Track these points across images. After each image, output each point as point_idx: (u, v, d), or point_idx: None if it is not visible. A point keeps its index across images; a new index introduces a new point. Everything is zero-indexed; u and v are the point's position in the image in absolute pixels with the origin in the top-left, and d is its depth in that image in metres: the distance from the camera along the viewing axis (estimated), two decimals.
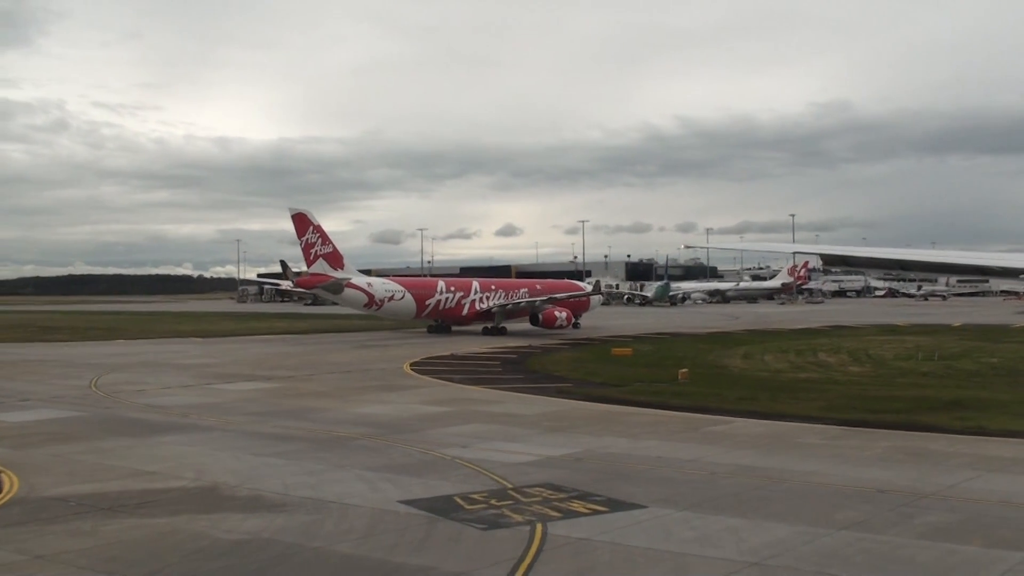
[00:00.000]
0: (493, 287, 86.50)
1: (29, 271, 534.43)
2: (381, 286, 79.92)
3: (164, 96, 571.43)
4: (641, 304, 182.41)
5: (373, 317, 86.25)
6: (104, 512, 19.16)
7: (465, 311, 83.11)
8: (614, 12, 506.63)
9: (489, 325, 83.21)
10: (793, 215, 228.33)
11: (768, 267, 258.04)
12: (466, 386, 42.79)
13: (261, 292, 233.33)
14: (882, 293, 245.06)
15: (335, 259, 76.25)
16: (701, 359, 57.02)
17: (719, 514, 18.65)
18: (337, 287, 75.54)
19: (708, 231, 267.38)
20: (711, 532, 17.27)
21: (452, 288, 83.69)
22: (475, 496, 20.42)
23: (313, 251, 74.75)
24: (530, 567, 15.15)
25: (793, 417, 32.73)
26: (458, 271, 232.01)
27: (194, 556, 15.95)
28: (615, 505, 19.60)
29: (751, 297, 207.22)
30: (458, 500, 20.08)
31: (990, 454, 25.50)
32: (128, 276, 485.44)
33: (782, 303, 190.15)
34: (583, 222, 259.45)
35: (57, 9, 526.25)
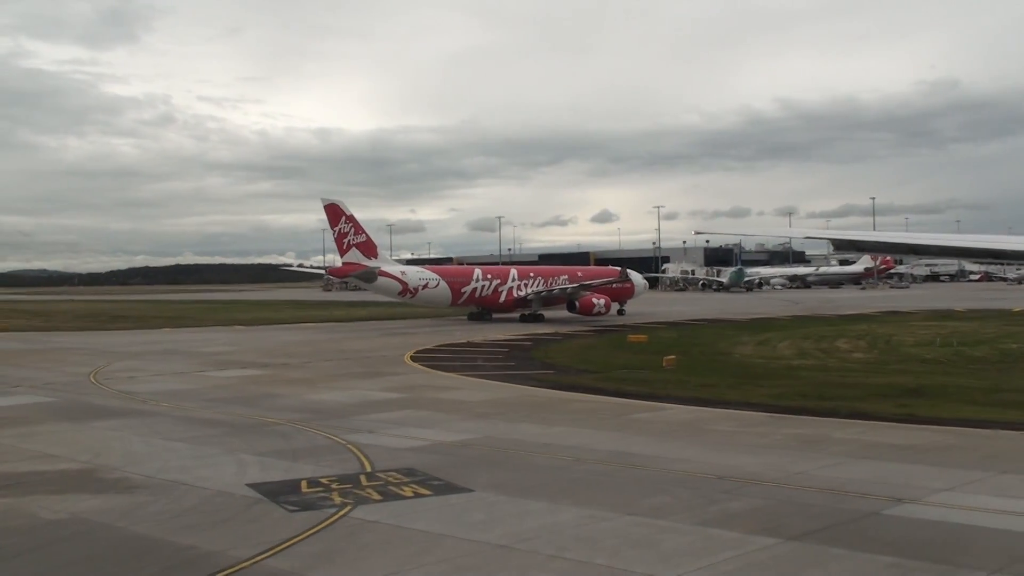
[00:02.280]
0: (531, 274, 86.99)
1: (140, 261, 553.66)
2: (415, 274, 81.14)
3: (265, 89, 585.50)
4: (716, 290, 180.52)
5: (411, 305, 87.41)
6: None
7: (502, 299, 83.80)
8: None
9: (526, 312, 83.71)
10: (873, 198, 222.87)
11: None
12: (445, 373, 43.58)
13: (346, 281, 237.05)
14: (977, 277, 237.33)
15: (368, 248, 77.67)
16: (714, 346, 56.85)
17: (533, 499, 19.06)
18: (370, 275, 76.96)
19: (789, 215, 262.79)
20: (502, 516, 17.73)
21: (489, 276, 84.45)
22: (323, 480, 21.17)
23: (346, 241, 76.28)
24: (288, 547, 15.80)
25: (735, 404, 32.76)
26: (536, 258, 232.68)
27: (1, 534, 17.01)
28: (445, 490, 20.15)
29: (834, 282, 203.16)
30: (303, 483, 20.85)
31: (881, 441, 25.32)
32: (231, 265, 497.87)
33: (863, 288, 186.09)
34: (659, 208, 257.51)
35: (162, 6, 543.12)
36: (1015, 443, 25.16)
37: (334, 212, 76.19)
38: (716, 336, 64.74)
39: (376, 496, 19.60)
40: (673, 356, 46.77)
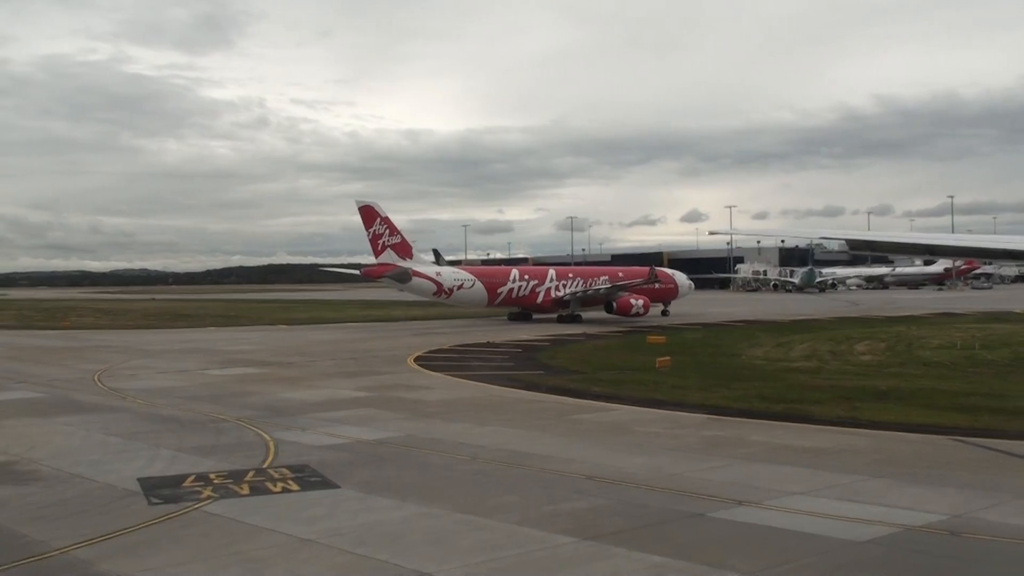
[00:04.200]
0: (570, 275, 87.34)
1: (236, 261, 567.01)
2: (450, 275, 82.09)
3: (355, 91, 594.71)
4: (789, 291, 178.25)
5: (447, 306, 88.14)
6: None
7: (539, 299, 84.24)
8: None
9: (564, 313, 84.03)
10: (952, 196, 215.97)
11: None
12: (433, 373, 44.34)
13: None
14: None
15: (403, 249, 78.84)
16: (729, 347, 56.60)
17: (388, 497, 19.63)
18: (404, 276, 78.10)
19: (868, 215, 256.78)
20: (340, 512, 18.38)
21: (526, 276, 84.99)
22: (212, 475, 22.04)
23: (381, 242, 77.53)
24: (108, 539, 16.65)
25: (687, 406, 32.86)
26: (609, 259, 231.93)
27: None
28: (316, 486, 20.90)
29: (913, 283, 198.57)
30: (191, 478, 21.74)
31: (791, 444, 25.33)
32: (322, 265, 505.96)
33: (940, 289, 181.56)
34: (731, 207, 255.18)
35: (255, 11, 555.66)
36: (926, 448, 24.88)
37: (369, 214, 77.50)
38: (740, 338, 64.29)
39: (244, 491, 20.39)
40: (668, 358, 46.84)
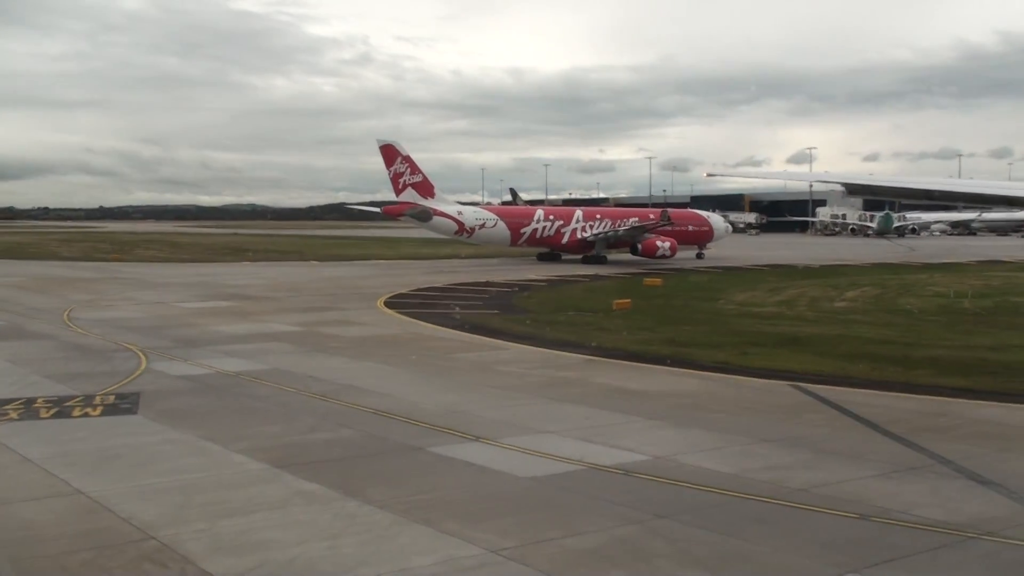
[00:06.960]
0: (598, 216, 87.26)
1: (341, 197, 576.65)
2: (472, 214, 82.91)
3: (459, 28, 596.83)
4: (868, 235, 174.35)
5: (470, 245, 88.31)
6: None
7: (565, 240, 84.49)
8: None
9: (589, 254, 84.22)
10: None
11: None
12: (386, 311, 45.64)
13: None
14: None
15: (425, 188, 79.84)
16: (715, 292, 56.93)
17: (166, 424, 20.89)
18: (424, 215, 79.20)
19: (979, 156, 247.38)
20: (98, 436, 19.70)
21: (551, 217, 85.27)
22: (39, 399, 23.58)
23: (402, 180, 78.65)
24: None
25: (584, 348, 33.40)
26: (689, 200, 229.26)
27: None
28: (119, 412, 22.31)
29: (1002, 229, 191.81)
30: (16, 402, 23.25)
31: (625, 387, 25.84)
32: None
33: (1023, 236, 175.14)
34: (811, 149, 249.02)
35: None
36: (752, 394, 25.23)
37: (390, 153, 78.61)
38: (741, 282, 64.25)
39: (47, 415, 21.89)
40: (628, 300, 47.26)
